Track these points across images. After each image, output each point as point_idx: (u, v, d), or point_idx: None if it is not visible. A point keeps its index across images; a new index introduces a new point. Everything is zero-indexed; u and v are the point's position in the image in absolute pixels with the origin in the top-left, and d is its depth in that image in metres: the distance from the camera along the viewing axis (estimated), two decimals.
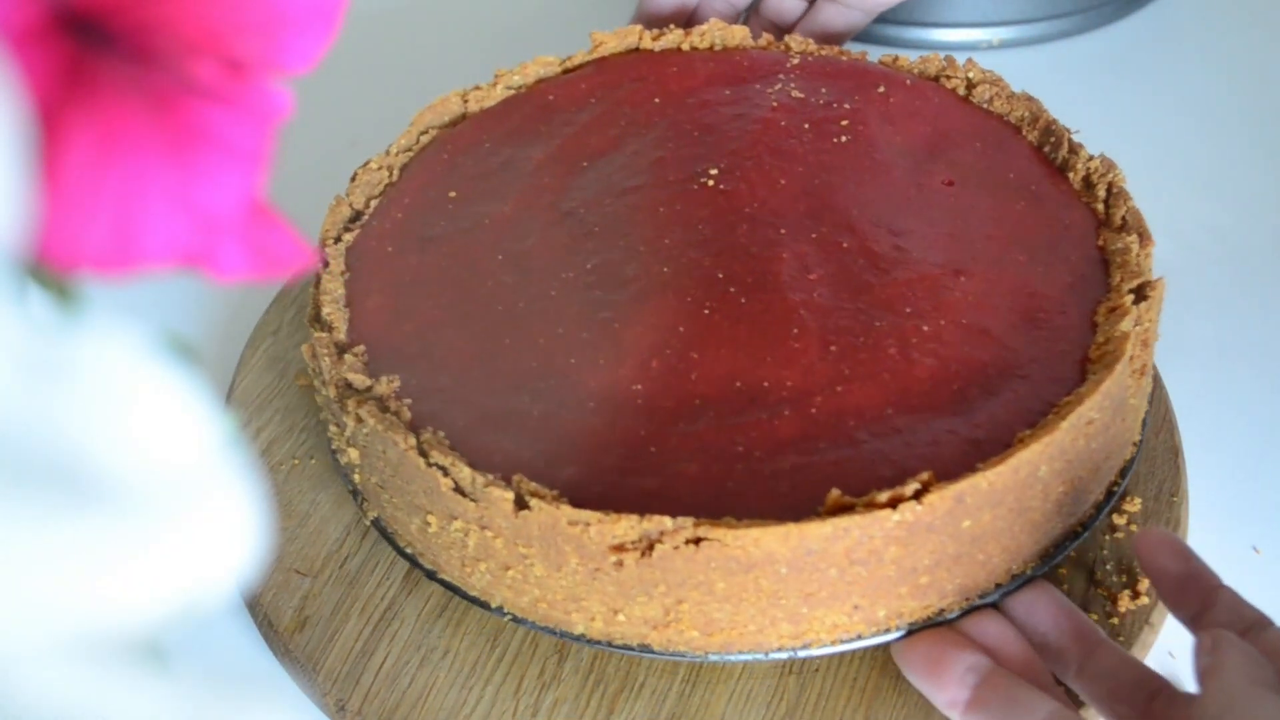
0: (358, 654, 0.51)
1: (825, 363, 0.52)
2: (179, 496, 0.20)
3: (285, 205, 0.26)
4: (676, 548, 0.45)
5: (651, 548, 0.45)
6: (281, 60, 0.24)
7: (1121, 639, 0.51)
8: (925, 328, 0.53)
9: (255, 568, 0.21)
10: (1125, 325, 0.52)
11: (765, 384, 0.51)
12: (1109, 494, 0.53)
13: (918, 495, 0.46)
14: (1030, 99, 0.62)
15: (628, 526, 0.45)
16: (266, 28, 0.24)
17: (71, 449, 0.19)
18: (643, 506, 0.46)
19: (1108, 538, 0.54)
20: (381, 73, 0.80)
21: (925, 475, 0.46)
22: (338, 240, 0.58)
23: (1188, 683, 0.52)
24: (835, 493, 0.46)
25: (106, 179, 0.22)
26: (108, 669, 0.19)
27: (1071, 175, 0.59)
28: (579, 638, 0.49)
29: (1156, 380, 0.61)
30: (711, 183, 0.59)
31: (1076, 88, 0.81)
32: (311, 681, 0.51)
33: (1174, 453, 0.58)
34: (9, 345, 0.19)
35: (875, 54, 0.67)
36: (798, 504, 0.47)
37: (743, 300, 0.54)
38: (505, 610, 0.50)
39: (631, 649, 0.49)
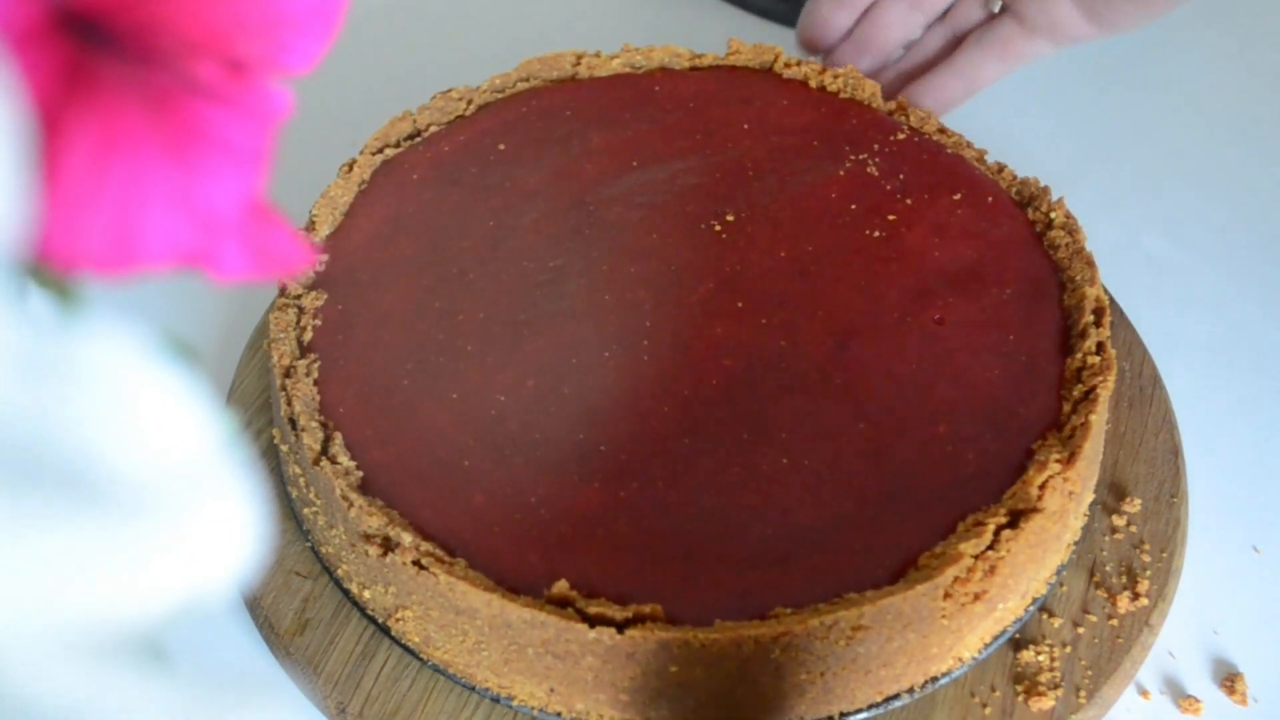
0: (358, 657, 0.51)
1: (663, 455, 0.49)
2: (179, 497, 0.20)
3: (286, 205, 0.26)
4: (404, 564, 0.46)
5: (387, 552, 0.47)
6: (282, 60, 0.24)
7: (1121, 640, 0.51)
8: (784, 461, 0.49)
9: (256, 569, 0.21)
10: (964, 547, 0.45)
11: (601, 448, 0.49)
12: (894, 696, 0.48)
13: (624, 624, 0.44)
14: (1091, 264, 0.55)
15: (376, 525, 0.47)
16: (267, 28, 0.24)
17: (71, 449, 0.19)
18: (412, 515, 0.48)
19: (1107, 539, 0.54)
20: (384, 72, 0.79)
21: (649, 608, 0.44)
22: (379, 152, 0.60)
23: (1191, 684, 0.52)
24: (563, 583, 0.45)
25: (107, 179, 0.22)
26: (108, 668, 0.19)
27: (1069, 361, 0.53)
28: (346, 592, 0.51)
29: (1156, 380, 0.61)
30: (719, 227, 0.58)
31: (1077, 88, 0.81)
32: (312, 684, 0.51)
33: (1174, 453, 0.58)
34: (9, 345, 0.19)
35: None
36: (535, 578, 0.46)
37: (645, 358, 0.52)
38: (310, 540, 0.53)
39: (377, 624, 0.50)
